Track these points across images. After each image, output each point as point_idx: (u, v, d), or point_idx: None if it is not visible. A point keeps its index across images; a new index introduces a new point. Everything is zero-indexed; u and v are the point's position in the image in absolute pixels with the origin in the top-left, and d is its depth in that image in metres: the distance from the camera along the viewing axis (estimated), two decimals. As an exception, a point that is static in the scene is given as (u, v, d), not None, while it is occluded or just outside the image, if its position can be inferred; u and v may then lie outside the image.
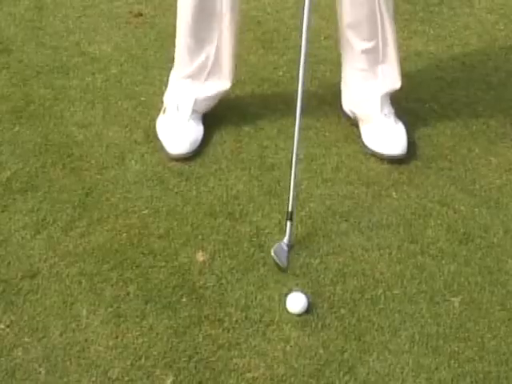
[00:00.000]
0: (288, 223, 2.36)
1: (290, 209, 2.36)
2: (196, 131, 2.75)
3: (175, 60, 2.79)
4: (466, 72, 3.22)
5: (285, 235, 2.36)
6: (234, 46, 2.73)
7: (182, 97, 2.77)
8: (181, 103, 2.76)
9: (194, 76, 2.75)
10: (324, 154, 2.74)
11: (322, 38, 3.30)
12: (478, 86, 3.13)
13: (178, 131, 2.73)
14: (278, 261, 2.30)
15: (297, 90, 2.37)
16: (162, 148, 2.73)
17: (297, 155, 2.40)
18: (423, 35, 3.39)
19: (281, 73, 3.16)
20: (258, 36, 3.36)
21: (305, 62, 2.39)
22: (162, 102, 2.85)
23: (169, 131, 2.75)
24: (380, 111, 2.76)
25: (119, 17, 3.48)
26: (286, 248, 2.33)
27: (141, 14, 3.50)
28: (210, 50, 2.71)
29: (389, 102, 2.80)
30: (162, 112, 2.82)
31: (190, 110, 2.76)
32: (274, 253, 2.31)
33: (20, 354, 2.07)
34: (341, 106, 2.88)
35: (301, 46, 2.38)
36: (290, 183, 2.38)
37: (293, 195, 2.36)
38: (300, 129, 2.39)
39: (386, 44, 2.71)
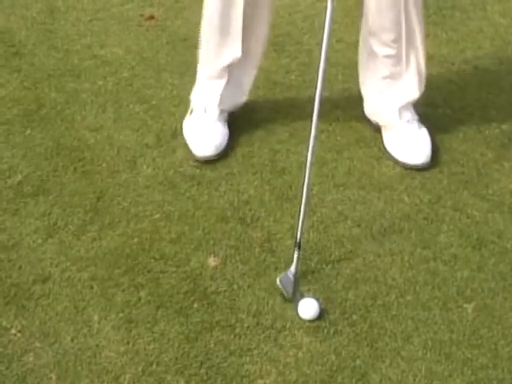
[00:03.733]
0: (295, 252, 2.25)
1: (298, 238, 2.26)
2: (222, 134, 2.75)
3: (200, 62, 2.78)
4: (478, 76, 3.20)
5: (291, 265, 2.25)
6: (261, 50, 2.76)
7: (208, 98, 2.76)
8: (208, 105, 2.76)
9: (220, 75, 2.74)
10: (336, 158, 2.73)
11: (334, 42, 3.27)
12: (490, 90, 3.11)
13: (204, 133, 2.72)
14: (283, 290, 2.23)
15: (313, 99, 2.28)
16: (187, 149, 2.72)
17: (308, 185, 2.27)
18: (435, 38, 3.37)
19: (293, 77, 3.15)
20: (270, 39, 3.30)
21: (324, 69, 2.30)
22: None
23: (195, 133, 2.74)
24: (399, 119, 2.75)
25: (131, 20, 3.48)
26: (292, 278, 2.23)
27: (152, 17, 3.50)
28: (235, 52, 2.69)
29: (411, 108, 2.78)
30: (188, 113, 2.81)
31: (217, 111, 2.75)
32: (280, 282, 2.24)
33: (31, 359, 2.07)
34: (362, 110, 2.87)
35: (321, 56, 2.29)
36: (299, 211, 2.26)
37: (301, 224, 2.25)
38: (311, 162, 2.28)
39: (410, 51, 2.68)
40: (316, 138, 2.28)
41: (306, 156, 2.27)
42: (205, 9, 2.69)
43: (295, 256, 2.25)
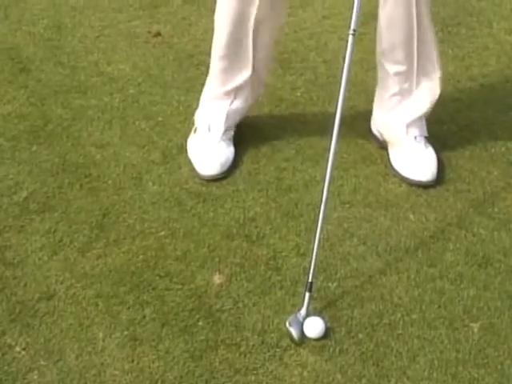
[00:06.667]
0: (307, 294, 2.20)
1: (310, 279, 2.21)
2: (227, 152, 2.75)
3: (207, 81, 2.80)
4: (484, 93, 3.20)
5: (302, 307, 2.21)
6: (268, 69, 2.78)
7: (213, 117, 2.77)
8: (212, 123, 2.76)
9: (226, 96, 2.75)
10: (342, 175, 2.73)
11: (340, 59, 3.27)
12: (496, 107, 3.11)
13: (208, 152, 2.72)
14: (291, 333, 2.15)
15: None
16: (193, 166, 2.72)
17: (320, 232, 2.24)
18: (441, 56, 3.35)
19: (299, 93, 3.15)
20: (276, 56, 3.34)
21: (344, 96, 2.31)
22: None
23: (200, 152, 2.74)
24: (406, 135, 2.74)
25: (138, 36, 3.49)
26: (302, 320, 2.18)
27: (159, 34, 3.51)
28: (244, 74, 2.71)
29: (420, 125, 2.78)
30: (192, 132, 2.82)
31: (221, 130, 2.75)
32: (289, 324, 2.17)
33: (36, 377, 2.06)
34: (369, 127, 2.88)
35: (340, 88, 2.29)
36: (312, 251, 2.22)
37: (314, 264, 2.22)
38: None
39: (422, 68, 2.68)
40: (332, 176, 2.29)
41: (322, 190, 2.27)
42: (215, 35, 2.70)
43: (306, 298, 2.20)
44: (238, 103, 2.77)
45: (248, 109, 2.83)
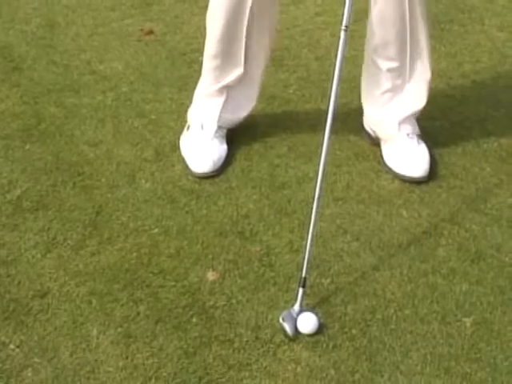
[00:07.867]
0: (300, 290, 2.20)
1: (303, 274, 2.21)
2: (220, 150, 2.75)
3: (201, 78, 2.80)
4: (476, 90, 3.21)
5: (295, 302, 2.21)
6: (262, 70, 2.77)
7: (206, 115, 2.77)
8: (205, 121, 2.76)
9: (219, 94, 2.76)
10: (335, 172, 2.73)
11: (332, 56, 3.28)
12: (488, 103, 3.12)
13: (201, 150, 2.72)
14: (285, 328, 2.16)
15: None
16: (186, 164, 2.73)
17: (313, 228, 2.24)
18: (434, 52, 3.32)
19: (291, 90, 3.16)
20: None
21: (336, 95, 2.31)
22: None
23: (192, 149, 2.75)
24: (398, 131, 2.75)
25: (130, 35, 3.50)
26: (295, 316, 2.18)
27: (152, 32, 3.52)
28: (236, 72, 2.71)
29: (413, 122, 2.79)
30: (185, 129, 2.82)
31: (214, 128, 2.76)
32: (283, 320, 2.17)
33: (30, 374, 2.07)
34: (362, 124, 2.88)
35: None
36: (305, 246, 2.23)
37: (308, 259, 2.22)
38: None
39: (415, 62, 2.68)
40: (324, 174, 2.30)
41: (314, 187, 2.27)
42: (208, 33, 2.70)
43: (299, 294, 2.21)
44: (230, 102, 2.77)
45: (242, 112, 2.82)
